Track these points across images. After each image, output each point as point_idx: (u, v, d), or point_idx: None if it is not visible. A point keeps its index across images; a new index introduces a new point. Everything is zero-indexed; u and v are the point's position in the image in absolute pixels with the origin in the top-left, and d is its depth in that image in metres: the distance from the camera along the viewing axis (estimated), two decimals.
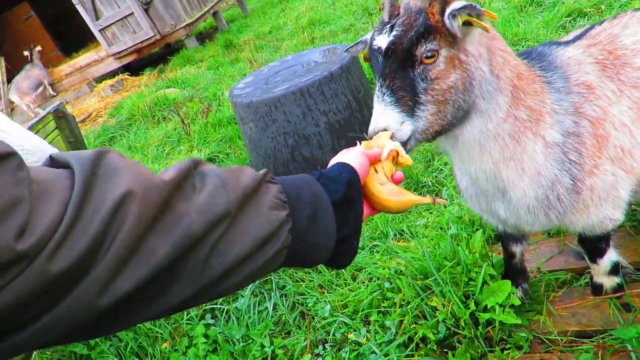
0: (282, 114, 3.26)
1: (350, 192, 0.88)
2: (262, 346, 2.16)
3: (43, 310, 0.55)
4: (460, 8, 1.06)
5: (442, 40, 1.10)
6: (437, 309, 1.73)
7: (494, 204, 1.42)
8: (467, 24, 1.09)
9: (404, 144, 1.10)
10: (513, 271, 1.75)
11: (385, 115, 1.09)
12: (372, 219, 2.77)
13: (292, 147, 3.37)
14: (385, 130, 1.08)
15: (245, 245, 0.70)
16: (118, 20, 9.01)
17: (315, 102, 3.23)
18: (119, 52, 9.39)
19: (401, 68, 1.10)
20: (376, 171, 1.00)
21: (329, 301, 2.28)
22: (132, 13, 8.90)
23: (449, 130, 1.21)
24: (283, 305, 2.38)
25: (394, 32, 1.10)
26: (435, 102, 1.12)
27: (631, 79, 1.41)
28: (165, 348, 2.29)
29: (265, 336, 2.20)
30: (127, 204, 0.59)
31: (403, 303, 1.94)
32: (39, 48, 10.03)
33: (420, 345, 1.74)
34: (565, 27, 4.26)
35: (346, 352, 2.00)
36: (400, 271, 2.08)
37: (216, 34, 10.80)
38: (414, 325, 1.76)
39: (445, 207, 2.59)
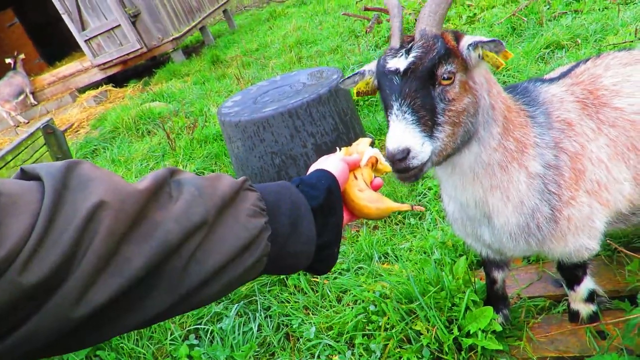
0: (270, 134, 3.30)
1: (330, 199, 0.88)
2: None
3: (15, 324, 0.54)
4: (487, 42, 1.12)
5: (458, 64, 1.16)
6: (421, 334, 1.77)
7: (480, 229, 1.49)
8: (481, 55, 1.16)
9: (423, 164, 1.13)
10: (495, 297, 1.80)
11: (406, 134, 1.10)
12: (357, 241, 2.82)
13: (279, 167, 3.40)
14: (408, 149, 1.10)
15: (223, 253, 0.70)
16: (105, 32, 8.98)
17: (303, 123, 3.28)
18: (104, 63, 9.34)
19: (421, 88, 1.14)
20: (355, 177, 1.03)
21: (314, 323, 2.29)
22: (119, 25, 8.89)
23: (454, 155, 1.27)
24: (268, 326, 2.38)
25: (413, 54, 1.15)
26: (451, 124, 1.17)
27: (609, 118, 1.50)
28: None
29: (249, 357, 2.20)
30: (99, 214, 0.59)
31: (388, 327, 1.98)
32: (22, 56, 9.91)
33: None
34: (543, 57, 4.44)
35: None
36: (386, 294, 2.11)
37: (203, 49, 10.84)
38: (398, 350, 1.79)
39: (425, 223, 2.66)
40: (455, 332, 1.67)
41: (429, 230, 2.61)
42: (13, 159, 1.96)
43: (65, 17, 8.90)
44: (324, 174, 0.93)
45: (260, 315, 2.43)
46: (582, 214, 1.43)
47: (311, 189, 0.88)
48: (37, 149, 2.12)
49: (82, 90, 9.82)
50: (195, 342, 2.35)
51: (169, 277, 0.65)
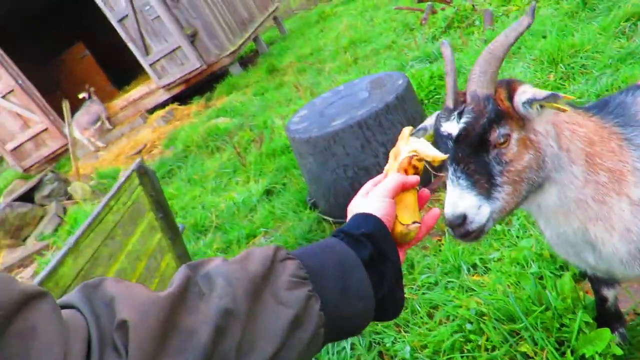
0: (341, 147, 3.31)
1: (378, 245, 0.80)
2: None
3: None
4: (543, 98, 1.09)
5: (512, 124, 1.13)
6: (529, 356, 1.69)
7: (584, 254, 1.39)
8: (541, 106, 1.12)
9: (482, 226, 1.11)
10: (607, 316, 1.69)
11: (462, 199, 1.09)
12: (441, 250, 2.75)
13: (352, 179, 3.40)
14: (464, 215, 1.08)
15: (271, 338, 0.65)
16: (167, 54, 9.43)
17: (373, 133, 3.26)
18: (168, 84, 9.82)
19: (475, 153, 1.12)
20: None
21: (407, 341, 2.27)
22: (180, 46, 9.30)
23: (523, 203, 1.22)
24: (360, 345, 2.39)
25: (464, 119, 1.12)
26: (512, 183, 1.13)
27: None
28: None
29: None
30: (124, 335, 0.58)
31: (489, 347, 1.91)
32: (92, 88, 10.65)
33: None
34: (624, 32, 4.10)
35: None
36: (482, 312, 2.05)
37: (258, 58, 11.09)
38: None
39: (513, 230, 2.54)
40: (569, 356, 1.59)
41: (518, 238, 2.50)
42: (115, 203, 2.10)
43: (130, 45, 9.45)
44: (365, 218, 0.84)
45: None
46: None
47: (355, 241, 0.80)
48: (134, 190, 2.25)
49: (151, 111, 10.39)
50: None
51: None
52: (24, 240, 6.26)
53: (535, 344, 1.72)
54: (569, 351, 1.61)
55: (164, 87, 9.91)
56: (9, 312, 0.52)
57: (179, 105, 10.10)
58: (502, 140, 1.12)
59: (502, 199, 1.13)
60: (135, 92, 10.75)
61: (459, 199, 1.09)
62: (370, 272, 0.77)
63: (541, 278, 2.04)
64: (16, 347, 0.51)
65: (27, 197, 6.59)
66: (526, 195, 1.19)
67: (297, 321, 0.67)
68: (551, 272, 1.98)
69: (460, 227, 1.08)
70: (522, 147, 1.14)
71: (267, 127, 5.94)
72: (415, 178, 0.93)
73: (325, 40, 9.42)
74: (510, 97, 1.14)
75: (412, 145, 0.98)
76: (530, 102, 1.11)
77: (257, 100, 7.59)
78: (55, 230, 6.08)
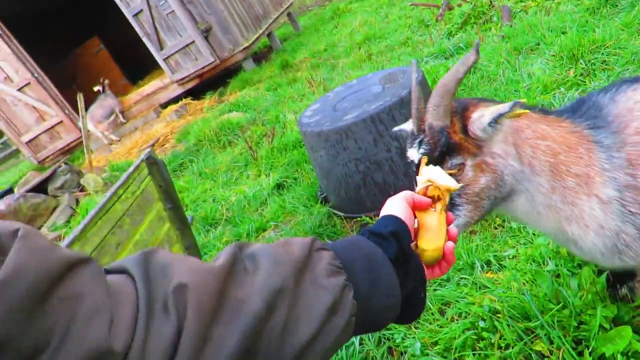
0: (353, 141, 3.26)
1: (402, 245, 0.83)
2: None
3: None
4: (509, 109, 1.12)
5: (466, 153, 1.19)
6: (544, 355, 1.63)
7: (568, 248, 1.43)
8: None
9: None
10: (616, 276, 1.65)
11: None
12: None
13: (364, 173, 3.35)
14: None
15: (312, 320, 0.68)
16: (181, 49, 9.46)
17: (386, 128, 3.20)
18: (182, 79, 9.85)
19: None
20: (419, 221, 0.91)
21: (417, 337, 2.22)
22: (194, 41, 9.31)
23: (491, 212, 1.29)
24: (369, 340, 2.35)
25: (421, 150, 1.19)
26: (471, 202, 1.20)
27: None
28: None
29: None
30: (182, 297, 0.60)
31: (502, 345, 1.86)
32: (107, 81, 10.72)
33: None
34: None
35: None
36: (495, 309, 1.99)
37: (271, 54, 11.06)
38: None
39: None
40: (587, 356, 1.52)
41: (534, 235, 2.43)
42: (124, 192, 2.08)
43: (145, 39, 9.49)
44: (388, 220, 0.87)
45: None
46: None
47: (382, 239, 0.83)
48: (143, 180, 2.23)
49: (164, 105, 10.44)
50: None
51: (265, 355, 0.64)
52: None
53: (551, 342, 1.66)
54: (586, 350, 1.55)
55: (177, 81, 9.94)
56: (52, 278, 0.52)
57: (192, 100, 10.13)
58: (455, 169, 1.18)
59: (465, 216, 1.21)
60: (149, 86, 10.81)
61: None
62: (396, 269, 0.79)
63: (558, 276, 1.97)
64: (61, 313, 0.51)
65: (40, 188, 6.66)
66: (490, 208, 1.25)
67: (334, 307, 0.70)
68: (568, 270, 1.91)
69: None
70: (478, 172, 1.20)
71: (279, 121, 5.91)
72: (426, 200, 0.95)
73: (340, 37, 9.36)
74: (465, 127, 1.20)
75: (426, 175, 1.02)
76: (496, 120, 1.15)
77: (269, 95, 7.57)
78: (68, 221, 6.13)
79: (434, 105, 1.20)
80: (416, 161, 1.20)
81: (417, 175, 1.08)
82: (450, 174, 1.14)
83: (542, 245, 2.15)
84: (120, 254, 1.95)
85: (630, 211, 1.27)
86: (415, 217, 0.93)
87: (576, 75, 3.83)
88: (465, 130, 1.20)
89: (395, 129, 1.49)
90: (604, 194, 1.26)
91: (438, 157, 1.17)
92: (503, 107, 1.14)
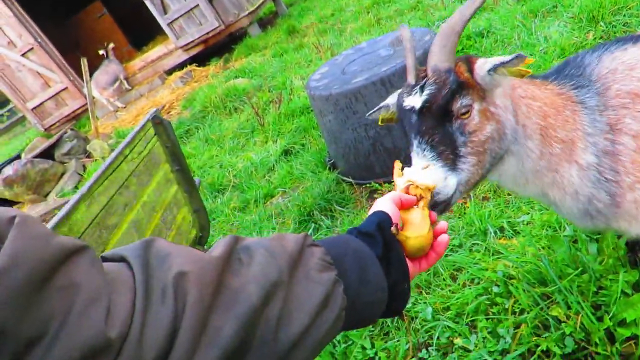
0: (362, 105, 3.17)
1: (384, 235, 0.85)
2: (364, 348, 2.14)
3: None
4: (509, 61, 1.09)
5: (474, 95, 1.15)
6: (561, 321, 1.60)
7: (555, 210, 1.44)
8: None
9: (450, 198, 1.12)
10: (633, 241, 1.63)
11: (429, 171, 1.09)
12: (465, 213, 2.65)
13: (374, 139, 3.28)
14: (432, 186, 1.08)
15: (305, 313, 0.69)
16: (184, 13, 9.22)
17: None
18: (186, 44, 9.65)
19: (438, 124, 1.14)
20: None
21: (429, 302, 2.20)
22: (197, 5, 9.07)
23: (486, 176, 1.26)
24: None
25: (426, 91, 1.14)
26: (475, 153, 1.16)
27: None
28: None
29: (365, 338, 2.17)
30: (183, 285, 0.60)
31: (516, 310, 1.82)
32: (112, 45, 10.53)
33: (543, 358, 1.62)
34: None
35: (454, 358, 1.92)
36: (510, 275, 1.95)
37: (277, 19, 10.79)
38: (535, 338, 1.64)
39: None
40: (607, 321, 1.48)
41: None
42: (130, 152, 2.03)
43: (148, 3, 9.25)
44: (375, 215, 0.89)
45: None
46: None
47: (369, 237, 0.85)
48: (149, 140, 2.18)
49: (169, 72, 10.28)
50: None
51: (261, 344, 0.65)
52: (46, 196, 6.33)
53: (569, 307, 1.62)
54: (606, 316, 1.51)
55: (182, 47, 9.75)
56: (49, 267, 0.51)
57: (197, 66, 9.95)
58: (464, 110, 1.14)
59: (467, 170, 1.15)
60: (153, 52, 10.63)
61: (426, 170, 1.09)
62: (381, 263, 0.81)
63: (575, 242, 1.92)
64: (59, 302, 0.50)
65: (47, 154, 6.64)
66: (489, 167, 1.23)
67: (326, 301, 0.71)
68: (587, 236, 1.86)
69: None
70: (484, 118, 1.16)
71: (286, 87, 5.80)
72: (412, 197, 0.97)
73: (347, 1, 9.07)
74: (470, 70, 1.17)
75: (406, 176, 1.04)
76: (495, 68, 1.12)
77: (275, 61, 7.40)
78: (75, 187, 6.13)
79: (440, 45, 1.16)
80: (417, 107, 1.14)
81: (395, 177, 1.06)
82: (459, 118, 1.14)
83: None
84: (128, 214, 1.92)
85: (605, 178, 1.26)
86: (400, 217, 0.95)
87: (595, 38, 3.67)
88: (471, 73, 1.17)
89: (373, 111, 1.44)
90: (583, 160, 1.26)
91: (446, 97, 1.12)
92: (505, 57, 1.12)
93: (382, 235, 0.85)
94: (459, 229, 2.53)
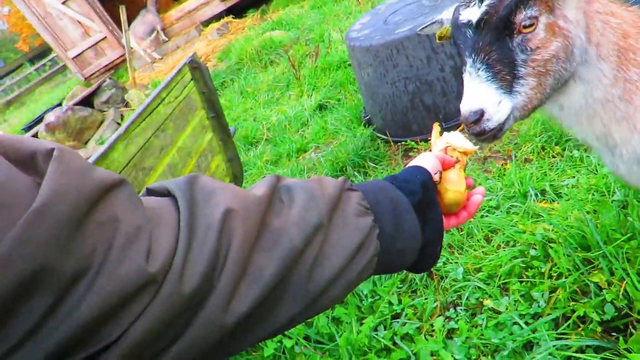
0: (404, 57, 3.03)
1: (427, 194, 0.84)
2: (390, 304, 2.13)
3: (175, 336, 0.55)
4: None
5: (541, 5, 1.01)
6: (601, 287, 1.53)
7: (606, 160, 1.31)
8: None
9: (502, 124, 1.03)
10: None
11: (481, 93, 0.99)
12: (505, 175, 2.54)
13: (413, 94, 3.16)
14: (482, 111, 0.99)
15: (341, 255, 0.69)
16: None
17: (442, 43, 2.94)
18: None
19: (497, 39, 1.02)
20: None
21: (460, 263, 2.16)
22: None
23: (546, 102, 1.13)
24: None
25: (486, 2, 1.01)
26: (536, 75, 1.04)
27: None
28: None
29: (392, 294, 2.17)
30: (230, 222, 0.60)
31: (553, 275, 1.76)
32: None
33: (579, 325, 1.57)
34: None
35: (482, 319, 1.89)
36: (550, 238, 1.87)
37: None
38: (571, 303, 1.59)
39: (594, 156, 2.29)
40: None
41: (599, 165, 2.23)
42: (167, 95, 2.02)
43: None
44: (417, 169, 0.87)
45: None
46: None
47: (407, 185, 0.83)
48: (186, 85, 2.16)
49: (206, 23, 10.19)
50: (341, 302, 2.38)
51: (297, 284, 0.66)
52: (85, 143, 6.53)
53: (612, 274, 1.55)
54: None
55: None
56: (89, 202, 0.50)
57: (234, 18, 9.81)
58: (528, 23, 1.01)
59: (525, 94, 1.04)
60: (190, 2, 10.50)
61: (478, 92, 1.00)
62: (417, 215, 0.80)
63: (624, 207, 1.81)
64: (100, 237, 0.50)
65: (87, 102, 6.79)
66: (550, 92, 1.10)
67: (361, 245, 0.71)
68: (639, 201, 1.75)
69: (475, 124, 1.00)
70: (550, 34, 1.03)
71: (323, 40, 5.64)
72: (451, 158, 0.94)
73: None
74: None
75: (445, 139, 0.99)
76: None
77: (314, 13, 7.19)
78: None
79: None
80: (475, 20, 1.02)
81: (432, 142, 1.02)
82: (522, 32, 1.01)
83: (608, 174, 1.97)
84: (164, 158, 1.93)
85: None
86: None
87: None
88: None
89: (424, 25, 1.30)
90: None
91: (509, 7, 0.99)
92: None
93: (424, 193, 0.83)
94: (497, 190, 2.44)
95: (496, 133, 1.03)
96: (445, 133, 1.03)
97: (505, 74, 1.01)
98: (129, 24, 9.32)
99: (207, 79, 2.27)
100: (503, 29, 1.01)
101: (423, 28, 1.31)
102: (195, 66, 2.19)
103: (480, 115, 0.99)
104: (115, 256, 0.50)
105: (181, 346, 0.56)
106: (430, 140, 1.06)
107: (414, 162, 0.92)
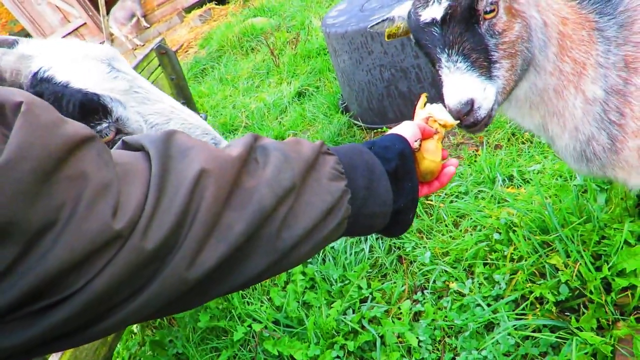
0: (379, 45, 3.03)
1: (405, 163, 0.85)
2: (360, 288, 2.16)
3: (137, 288, 0.57)
4: None
5: None
6: (558, 269, 1.57)
7: (552, 148, 1.38)
8: None
9: (491, 110, 1.05)
10: None
11: (465, 83, 1.01)
12: (476, 161, 2.57)
13: (388, 81, 3.16)
14: (472, 100, 1.01)
15: (311, 217, 0.71)
16: None
17: None
18: None
19: (467, 30, 1.04)
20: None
21: (428, 247, 2.19)
22: None
23: (515, 87, 1.17)
24: (380, 248, 2.34)
25: None
26: (508, 56, 1.07)
27: None
28: (265, 281, 2.39)
29: (362, 278, 2.19)
30: (203, 181, 0.61)
31: (515, 257, 1.80)
32: None
33: (536, 305, 1.61)
34: None
35: (448, 301, 1.93)
36: (513, 222, 1.91)
37: None
38: (529, 284, 1.62)
39: None
40: (605, 270, 1.45)
41: None
42: None
43: None
44: (397, 137, 0.89)
45: (372, 236, 2.38)
46: None
47: (385, 151, 0.85)
48: (153, 71, 2.14)
49: (188, 10, 10.03)
50: (308, 260, 2.40)
51: (265, 242, 0.67)
52: None
53: (568, 256, 1.58)
54: (605, 265, 1.47)
55: None
56: (57, 158, 0.51)
57: (217, 4, 9.67)
58: (489, 8, 1.03)
59: (503, 77, 1.07)
60: None
61: (462, 83, 1.01)
62: (391, 183, 0.82)
63: (585, 192, 1.85)
64: (67, 192, 0.50)
65: None
66: (520, 74, 1.13)
67: (332, 208, 0.73)
68: (597, 185, 1.78)
69: (467, 115, 1.02)
70: (510, 16, 1.07)
71: (304, 27, 5.60)
72: (431, 129, 0.97)
73: None
74: None
75: (427, 110, 1.01)
76: None
77: (296, 0, 7.12)
78: None
79: None
80: (439, 17, 1.03)
81: (415, 110, 1.05)
82: (486, 19, 1.04)
83: None
84: None
85: (609, 119, 1.18)
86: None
87: None
88: None
89: (375, 23, 1.31)
90: (590, 91, 1.17)
91: (468, 0, 1.01)
92: None
93: (401, 161, 0.85)
94: (467, 176, 2.47)
95: (487, 121, 1.05)
96: (428, 104, 1.05)
97: (482, 60, 1.04)
98: (110, 9, 9.14)
99: (176, 64, 2.24)
100: (469, 18, 1.03)
101: (373, 25, 1.32)
102: (163, 52, 2.17)
103: (471, 105, 1.00)
104: (82, 212, 0.51)
105: (144, 297, 0.57)
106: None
107: (395, 130, 0.94)
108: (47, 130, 0.51)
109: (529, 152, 2.45)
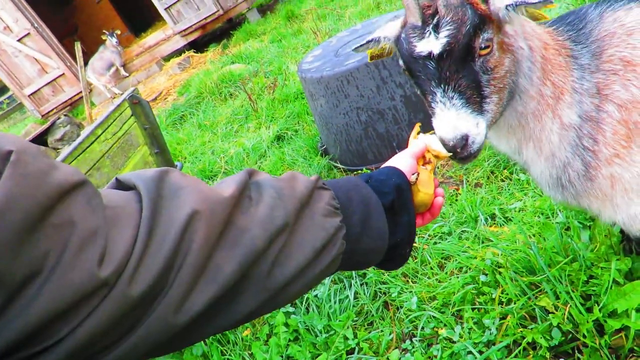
0: (354, 88, 3.06)
1: (401, 197, 0.85)
2: (346, 338, 2.06)
3: (123, 334, 0.55)
4: (535, 2, 1.00)
5: (493, 28, 1.06)
6: (549, 312, 1.51)
7: (529, 175, 1.38)
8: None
9: (481, 144, 1.08)
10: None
11: (460, 119, 1.04)
12: (457, 200, 2.56)
13: (366, 124, 3.18)
14: (466, 135, 1.04)
15: (304, 255, 0.70)
16: None
17: (390, 74, 2.99)
18: (184, 30, 9.51)
19: (463, 67, 1.05)
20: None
21: (414, 292, 2.12)
22: None
23: (500, 117, 1.19)
24: (364, 294, 2.26)
25: (445, 32, 1.02)
26: (498, 91, 1.09)
27: None
28: (247, 336, 2.27)
29: (348, 327, 2.10)
30: (194, 223, 0.60)
31: (504, 300, 1.74)
32: (118, 31, 10.31)
33: (529, 351, 1.54)
34: None
35: (438, 349, 1.84)
36: (498, 263, 1.86)
37: (277, 5, 10.61)
38: (521, 329, 1.56)
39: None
40: (596, 312, 1.40)
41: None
42: (103, 132, 1.94)
43: None
44: (393, 170, 0.89)
45: (356, 282, 2.30)
46: (635, 176, 1.17)
47: (381, 185, 0.85)
48: (125, 120, 2.09)
49: (167, 58, 10.16)
50: (292, 309, 2.30)
51: (256, 281, 0.66)
52: None
53: (557, 297, 1.53)
54: (596, 306, 1.42)
55: (180, 33, 9.61)
56: (43, 208, 0.50)
57: (196, 52, 9.82)
58: (485, 45, 1.04)
59: (492, 111, 1.09)
60: (151, 38, 10.49)
61: (457, 120, 1.04)
62: (387, 217, 0.81)
63: (568, 229, 1.83)
64: (53, 240, 0.50)
65: (40, 140, 6.55)
66: (506, 104, 1.15)
67: (326, 245, 0.72)
68: (580, 222, 1.77)
69: (463, 150, 1.04)
70: (502, 51, 1.09)
71: (281, 73, 5.68)
72: (426, 159, 1.00)
73: None
74: (486, 1, 1.07)
75: (422, 140, 1.04)
76: (517, 5, 1.02)
77: (273, 47, 7.28)
78: None
79: None
80: (436, 52, 1.02)
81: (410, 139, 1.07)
82: (481, 55, 1.05)
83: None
84: None
85: (583, 145, 1.20)
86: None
87: None
88: (486, 3, 1.08)
89: (359, 45, 1.27)
90: (567, 117, 1.19)
91: (469, 35, 1.01)
92: None
93: (398, 195, 0.84)
94: (449, 216, 2.44)
95: (477, 153, 1.08)
96: (421, 134, 1.08)
97: (475, 96, 1.06)
98: (88, 60, 9.18)
99: (149, 113, 2.21)
100: (466, 55, 1.04)
101: (358, 47, 1.30)
102: (136, 101, 2.13)
103: (465, 140, 1.03)
104: (68, 260, 0.50)
105: (130, 343, 0.56)
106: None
107: (391, 162, 0.94)
108: (36, 179, 0.50)
109: (509, 189, 2.45)
